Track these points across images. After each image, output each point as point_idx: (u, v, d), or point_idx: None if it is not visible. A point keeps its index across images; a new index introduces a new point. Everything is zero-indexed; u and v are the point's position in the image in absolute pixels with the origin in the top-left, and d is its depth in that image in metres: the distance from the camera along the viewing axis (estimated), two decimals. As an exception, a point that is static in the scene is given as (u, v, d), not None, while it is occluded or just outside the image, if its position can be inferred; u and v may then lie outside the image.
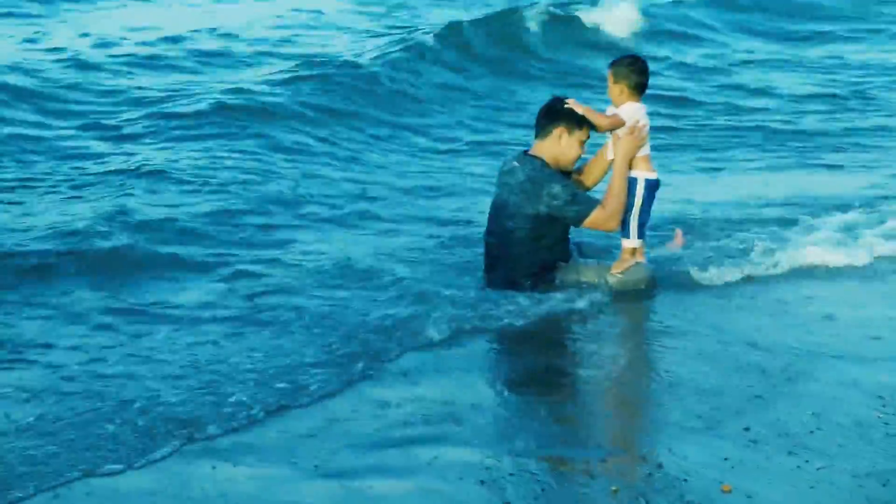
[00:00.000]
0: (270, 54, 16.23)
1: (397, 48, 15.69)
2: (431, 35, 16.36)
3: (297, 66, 14.66)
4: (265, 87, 13.34)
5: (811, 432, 5.54)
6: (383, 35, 17.67)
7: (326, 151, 11.43)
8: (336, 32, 18.37)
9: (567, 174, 7.52)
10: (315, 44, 17.21)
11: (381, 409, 5.84)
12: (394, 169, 10.97)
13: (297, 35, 18.01)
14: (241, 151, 10.97)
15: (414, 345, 6.61)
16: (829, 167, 11.30)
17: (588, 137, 7.43)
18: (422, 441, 5.49)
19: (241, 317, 7.01)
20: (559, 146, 7.44)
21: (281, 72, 14.43)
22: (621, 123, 7.30)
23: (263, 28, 18.37)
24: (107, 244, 8.14)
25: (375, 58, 15.05)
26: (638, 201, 7.43)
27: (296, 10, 20.14)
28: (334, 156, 11.30)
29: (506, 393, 6.23)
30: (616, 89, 7.33)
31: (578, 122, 7.37)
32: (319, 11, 20.12)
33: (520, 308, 7.13)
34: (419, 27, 17.68)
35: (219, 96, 12.85)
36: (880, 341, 6.73)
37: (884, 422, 5.63)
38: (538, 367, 6.53)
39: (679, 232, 8.17)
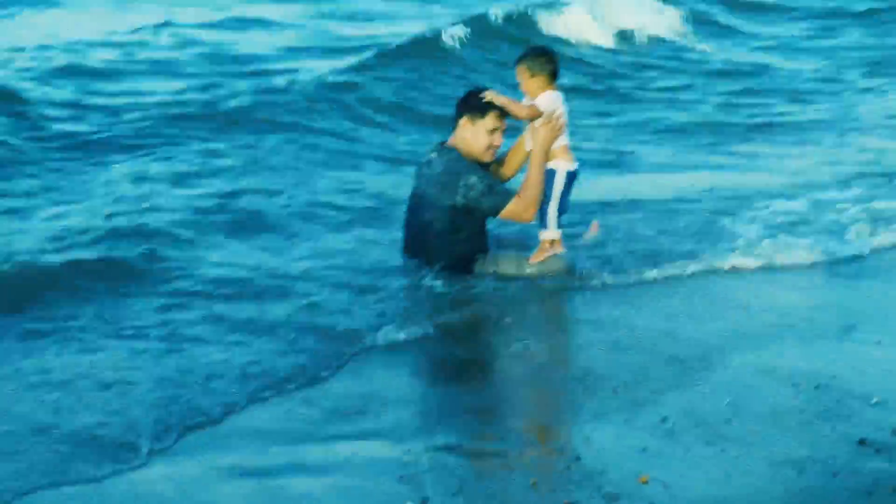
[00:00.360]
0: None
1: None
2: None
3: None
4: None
5: (728, 421, 5.57)
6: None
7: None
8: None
9: (485, 166, 7.51)
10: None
11: (302, 408, 5.80)
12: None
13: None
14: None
15: (330, 345, 6.56)
16: (742, 159, 11.39)
17: (500, 126, 7.36)
18: (340, 438, 5.45)
19: (166, 325, 6.86)
20: (465, 136, 7.41)
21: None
22: (539, 113, 7.30)
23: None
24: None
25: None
26: (556, 192, 7.44)
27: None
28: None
29: (425, 388, 6.22)
30: (533, 82, 7.31)
31: (481, 110, 7.33)
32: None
33: (438, 302, 7.12)
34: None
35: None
36: (794, 329, 6.79)
37: (799, 409, 5.68)
38: (457, 362, 6.51)
39: (595, 223, 8.21)
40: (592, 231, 8.17)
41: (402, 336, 6.70)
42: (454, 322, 6.96)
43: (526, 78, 7.34)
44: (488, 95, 7.31)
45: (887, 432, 5.40)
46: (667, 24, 18.96)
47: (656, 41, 18.34)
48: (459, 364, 6.48)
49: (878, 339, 6.60)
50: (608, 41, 17.84)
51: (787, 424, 5.53)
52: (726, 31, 19.66)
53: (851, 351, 6.43)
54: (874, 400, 5.75)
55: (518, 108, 7.32)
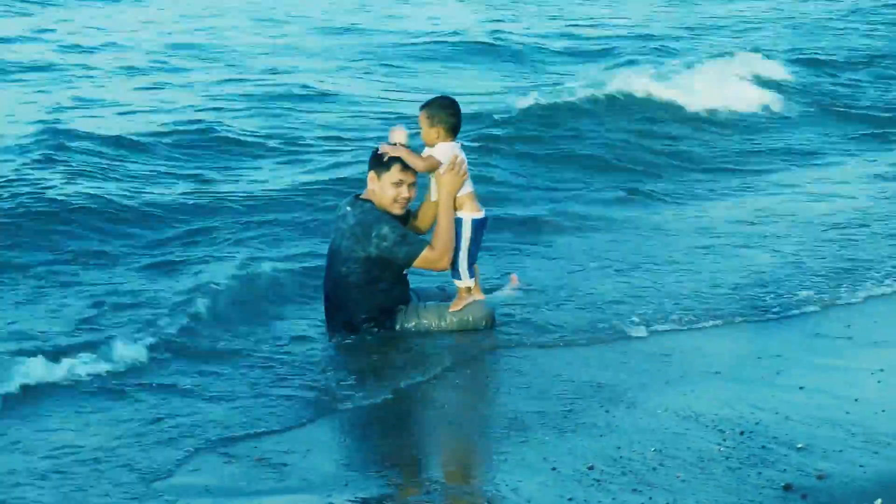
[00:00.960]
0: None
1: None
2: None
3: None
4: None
5: (654, 469, 5.54)
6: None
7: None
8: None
9: (402, 219, 7.47)
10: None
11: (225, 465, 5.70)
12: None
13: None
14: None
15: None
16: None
17: (405, 179, 7.33)
18: (267, 493, 5.35)
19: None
20: (374, 189, 7.41)
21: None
22: (437, 164, 7.30)
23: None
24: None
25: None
26: (465, 242, 7.43)
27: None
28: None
29: (347, 440, 6.14)
30: (433, 132, 7.31)
31: (385, 164, 7.32)
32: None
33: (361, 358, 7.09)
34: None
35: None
36: (719, 376, 6.80)
37: (724, 455, 5.67)
38: (378, 409, 6.43)
39: (514, 276, 8.21)
40: (512, 284, 8.17)
41: (324, 380, 6.67)
42: (377, 371, 6.92)
43: (425, 126, 7.33)
44: (384, 148, 7.31)
45: (812, 477, 5.40)
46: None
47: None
48: (380, 412, 6.41)
49: (801, 384, 6.63)
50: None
51: (713, 471, 5.51)
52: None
53: (775, 396, 6.44)
54: (799, 445, 5.76)
55: (415, 160, 7.31)
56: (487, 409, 6.58)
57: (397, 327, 7.46)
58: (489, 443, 6.02)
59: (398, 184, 7.34)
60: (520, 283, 8.21)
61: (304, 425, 6.17)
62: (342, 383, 6.75)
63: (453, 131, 7.35)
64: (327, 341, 7.47)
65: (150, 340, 7.15)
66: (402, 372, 6.96)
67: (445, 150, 7.33)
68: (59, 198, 10.32)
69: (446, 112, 7.33)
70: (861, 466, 5.52)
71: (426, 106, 7.37)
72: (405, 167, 7.32)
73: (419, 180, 7.46)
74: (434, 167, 7.32)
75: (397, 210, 7.41)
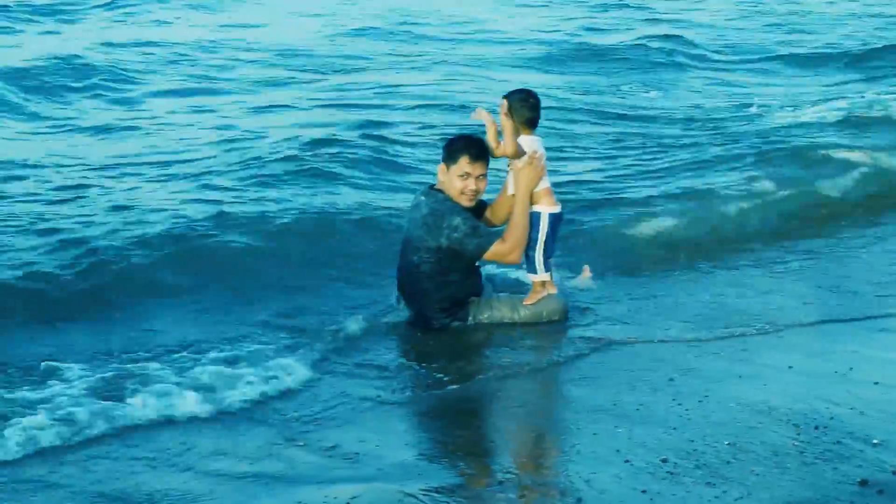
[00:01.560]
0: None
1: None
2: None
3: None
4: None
5: (728, 462, 5.53)
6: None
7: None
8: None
9: (476, 212, 7.50)
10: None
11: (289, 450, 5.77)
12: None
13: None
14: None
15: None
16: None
17: (472, 171, 7.34)
18: (341, 481, 5.40)
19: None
20: (443, 181, 7.46)
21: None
22: (517, 153, 7.29)
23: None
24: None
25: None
26: (542, 235, 7.44)
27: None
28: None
29: (422, 430, 6.18)
30: (508, 123, 7.28)
31: (453, 156, 7.36)
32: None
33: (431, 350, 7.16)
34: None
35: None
36: (792, 371, 6.76)
37: (799, 450, 5.64)
38: (451, 400, 6.48)
39: (587, 267, 8.21)
40: (584, 275, 8.17)
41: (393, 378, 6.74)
42: (451, 362, 6.97)
43: (503, 116, 7.31)
44: (479, 113, 7.32)
45: (889, 472, 5.37)
46: None
47: None
48: (454, 404, 6.45)
49: (875, 379, 6.58)
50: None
51: (787, 465, 5.49)
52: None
53: (850, 392, 6.40)
54: (875, 441, 5.72)
55: (492, 141, 7.31)
56: (559, 402, 6.60)
57: (470, 319, 7.49)
58: (561, 434, 6.04)
59: (465, 176, 7.36)
60: (591, 274, 8.20)
61: (378, 414, 6.23)
62: (419, 371, 6.82)
63: (530, 125, 7.36)
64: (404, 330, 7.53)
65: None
66: (475, 363, 7.00)
67: (527, 144, 7.34)
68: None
69: (524, 105, 7.33)
70: (938, 462, 5.48)
71: (507, 96, 7.38)
72: (473, 159, 7.34)
73: (493, 174, 7.48)
74: (514, 154, 7.30)
75: (465, 202, 7.42)
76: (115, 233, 8.97)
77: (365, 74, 16.83)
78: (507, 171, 7.51)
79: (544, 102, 7.69)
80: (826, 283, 8.38)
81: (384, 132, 12.71)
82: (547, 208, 7.45)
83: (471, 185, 7.38)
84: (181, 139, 12.59)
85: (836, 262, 8.93)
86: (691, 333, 7.43)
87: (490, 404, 6.55)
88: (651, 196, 10.50)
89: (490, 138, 7.34)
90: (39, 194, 10.22)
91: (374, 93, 15.36)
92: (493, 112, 7.39)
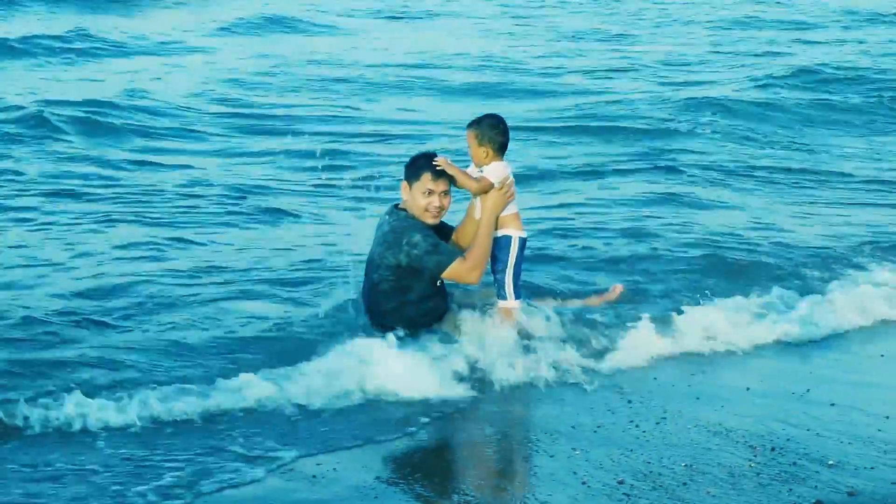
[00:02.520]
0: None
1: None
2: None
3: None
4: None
5: (684, 484, 5.54)
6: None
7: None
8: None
9: (442, 234, 7.46)
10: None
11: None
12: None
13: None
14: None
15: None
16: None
17: (436, 188, 7.27)
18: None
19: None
20: (406, 199, 7.42)
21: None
22: (489, 185, 7.29)
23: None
24: None
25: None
26: (512, 259, 7.41)
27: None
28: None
29: (379, 454, 6.18)
30: (481, 151, 7.29)
31: (415, 173, 7.32)
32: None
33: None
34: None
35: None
36: (749, 392, 6.79)
37: (755, 472, 5.66)
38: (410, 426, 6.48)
39: (618, 286, 8.31)
40: (615, 292, 8.22)
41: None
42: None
43: (474, 145, 7.31)
44: (440, 162, 7.30)
45: (843, 494, 5.39)
46: None
47: None
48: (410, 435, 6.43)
49: (832, 400, 6.61)
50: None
51: (744, 487, 5.51)
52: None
53: (807, 413, 6.43)
54: (830, 462, 5.75)
55: (467, 181, 7.30)
56: (518, 425, 6.59)
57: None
58: (519, 457, 6.04)
59: (428, 193, 7.31)
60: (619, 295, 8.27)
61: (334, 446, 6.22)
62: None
63: (502, 150, 7.35)
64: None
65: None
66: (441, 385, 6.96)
67: (497, 170, 7.31)
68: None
69: (495, 131, 7.32)
70: (893, 483, 5.51)
71: (475, 125, 7.36)
72: (436, 176, 7.29)
73: (458, 194, 7.47)
74: (487, 188, 7.30)
75: (430, 219, 7.38)
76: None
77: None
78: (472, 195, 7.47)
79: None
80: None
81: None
82: (517, 232, 7.43)
83: (434, 201, 7.33)
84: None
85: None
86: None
87: (447, 428, 6.54)
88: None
89: (462, 182, 7.31)
90: None
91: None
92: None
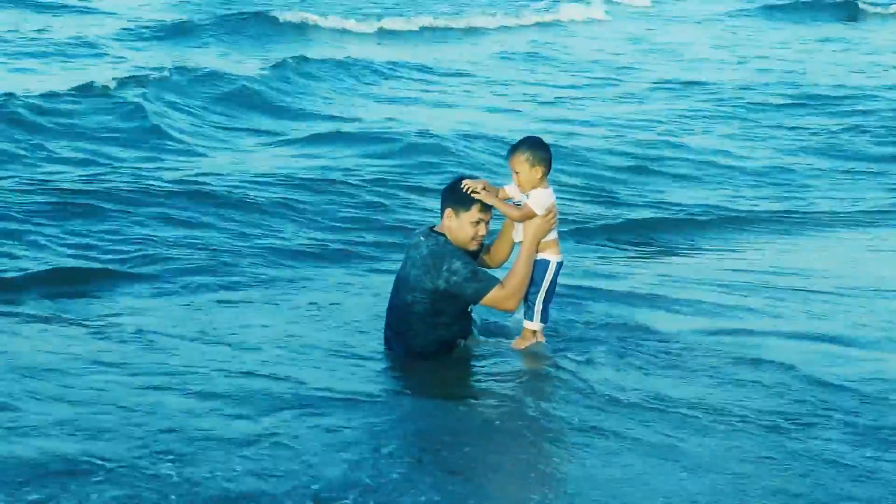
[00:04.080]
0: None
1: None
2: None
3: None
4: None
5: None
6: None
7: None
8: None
9: (473, 254, 7.49)
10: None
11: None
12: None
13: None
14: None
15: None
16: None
17: (484, 218, 7.35)
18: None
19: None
20: (450, 226, 7.43)
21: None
22: (532, 214, 7.29)
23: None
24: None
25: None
26: (546, 284, 7.45)
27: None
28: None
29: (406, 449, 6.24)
30: (535, 173, 7.26)
31: (465, 203, 7.33)
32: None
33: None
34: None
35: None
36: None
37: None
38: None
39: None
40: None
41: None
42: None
43: (525, 169, 7.26)
44: (479, 193, 7.29)
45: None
46: None
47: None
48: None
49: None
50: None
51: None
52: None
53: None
54: None
55: (511, 211, 7.30)
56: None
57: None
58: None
59: (477, 223, 7.35)
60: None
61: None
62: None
63: (549, 169, 7.35)
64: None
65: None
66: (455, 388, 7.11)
67: (542, 198, 7.29)
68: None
69: (544, 151, 7.31)
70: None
71: (524, 149, 7.29)
72: (485, 206, 7.31)
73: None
74: (529, 216, 7.29)
75: (473, 247, 7.42)
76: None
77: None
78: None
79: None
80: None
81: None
82: (554, 257, 7.45)
83: (482, 230, 7.39)
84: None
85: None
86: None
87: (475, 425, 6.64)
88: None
89: (507, 213, 7.35)
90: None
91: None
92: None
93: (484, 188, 7.32)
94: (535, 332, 7.57)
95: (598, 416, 6.73)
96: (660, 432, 6.47)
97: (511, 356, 7.55)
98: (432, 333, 7.44)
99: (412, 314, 7.42)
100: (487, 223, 7.41)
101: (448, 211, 7.42)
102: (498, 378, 7.28)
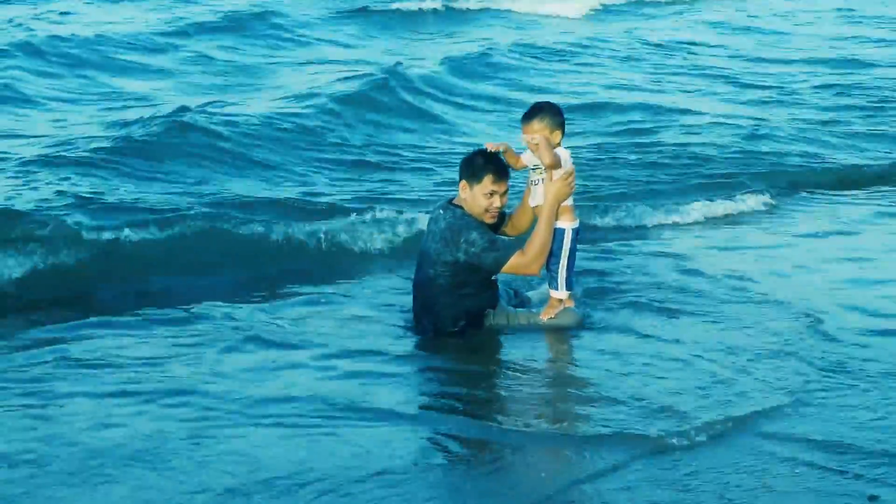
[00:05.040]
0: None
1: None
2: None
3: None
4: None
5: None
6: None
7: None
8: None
9: (493, 226, 7.53)
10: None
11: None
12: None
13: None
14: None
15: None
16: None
17: (498, 189, 7.38)
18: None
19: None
20: (465, 198, 7.49)
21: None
22: (559, 163, 7.31)
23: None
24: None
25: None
26: (565, 252, 7.45)
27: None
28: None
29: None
30: (554, 137, 7.29)
31: (477, 175, 7.38)
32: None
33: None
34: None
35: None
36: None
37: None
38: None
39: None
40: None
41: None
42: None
43: (547, 133, 7.27)
44: (491, 146, 7.40)
45: None
46: None
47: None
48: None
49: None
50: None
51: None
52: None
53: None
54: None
55: (546, 152, 7.19)
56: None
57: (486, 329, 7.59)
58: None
59: (490, 195, 7.38)
60: None
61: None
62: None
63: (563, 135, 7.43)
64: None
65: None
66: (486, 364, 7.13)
67: (567, 157, 7.35)
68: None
69: (560, 115, 7.37)
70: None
71: (542, 115, 7.31)
72: (497, 178, 7.36)
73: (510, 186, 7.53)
74: (557, 165, 7.28)
75: (489, 219, 7.45)
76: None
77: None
78: (529, 184, 7.54)
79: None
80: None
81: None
82: (570, 224, 7.45)
83: (496, 202, 7.40)
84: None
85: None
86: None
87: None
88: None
89: (509, 158, 7.44)
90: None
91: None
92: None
93: (506, 150, 7.43)
94: (561, 300, 7.60)
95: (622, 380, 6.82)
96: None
97: (541, 330, 7.60)
98: (459, 305, 7.48)
99: (436, 287, 7.46)
100: (503, 195, 7.42)
101: (462, 183, 7.48)
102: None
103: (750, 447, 5.87)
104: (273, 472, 5.58)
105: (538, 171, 7.43)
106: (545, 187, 7.41)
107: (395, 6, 24.08)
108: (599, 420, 6.22)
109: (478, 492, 5.47)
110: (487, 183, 7.40)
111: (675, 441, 5.91)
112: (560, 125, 7.36)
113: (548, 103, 7.53)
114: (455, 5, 25.05)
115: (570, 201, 7.49)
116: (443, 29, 22.59)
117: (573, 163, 7.44)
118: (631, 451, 5.80)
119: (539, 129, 7.30)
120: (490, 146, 7.42)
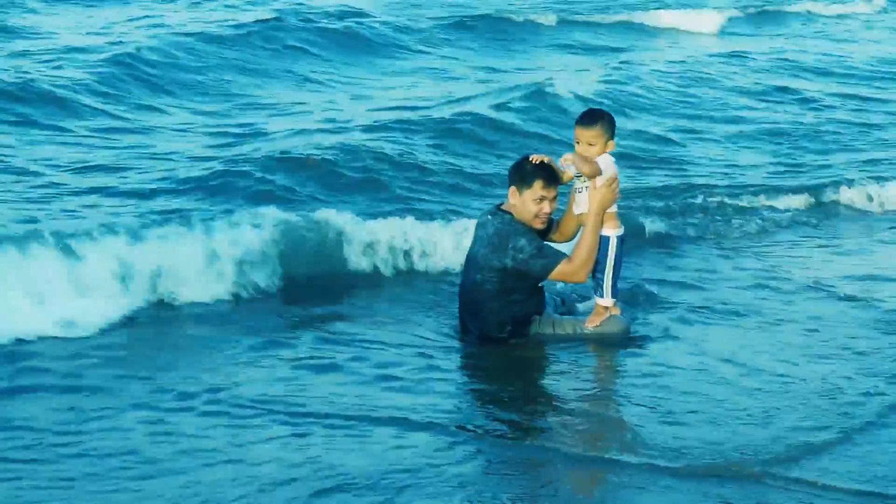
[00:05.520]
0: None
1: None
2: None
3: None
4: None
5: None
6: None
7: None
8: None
9: (541, 233, 7.52)
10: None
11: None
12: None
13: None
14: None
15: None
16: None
17: (547, 195, 7.36)
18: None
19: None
20: (514, 203, 7.48)
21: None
22: (598, 171, 7.30)
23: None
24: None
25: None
26: (611, 259, 7.42)
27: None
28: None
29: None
30: (609, 147, 7.33)
31: (527, 180, 7.36)
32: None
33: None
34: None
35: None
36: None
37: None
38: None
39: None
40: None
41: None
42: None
43: (602, 143, 7.30)
44: (536, 158, 7.38)
45: None
46: None
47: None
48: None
49: None
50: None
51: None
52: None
53: None
54: None
55: (583, 164, 7.24)
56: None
57: (531, 336, 7.57)
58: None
59: (540, 200, 7.37)
60: None
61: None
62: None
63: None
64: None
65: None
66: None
67: (609, 163, 7.34)
68: None
69: (615, 125, 7.41)
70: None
71: (602, 123, 7.33)
72: (547, 184, 7.35)
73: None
74: (596, 173, 7.29)
75: (538, 225, 7.44)
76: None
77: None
78: (573, 191, 7.51)
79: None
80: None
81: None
82: (614, 231, 7.43)
83: (545, 208, 7.39)
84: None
85: None
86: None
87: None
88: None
89: (579, 162, 7.30)
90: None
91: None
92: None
93: (549, 162, 7.41)
94: (607, 307, 7.56)
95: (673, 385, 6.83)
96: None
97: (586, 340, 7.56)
98: (506, 311, 7.46)
99: (483, 293, 7.45)
100: (552, 201, 7.42)
101: (512, 189, 7.47)
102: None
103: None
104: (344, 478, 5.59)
105: (582, 178, 7.42)
106: (589, 195, 7.40)
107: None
108: (641, 447, 6.06)
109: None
110: (537, 188, 7.38)
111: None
112: (614, 134, 7.38)
113: (596, 111, 7.58)
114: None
115: (614, 208, 7.47)
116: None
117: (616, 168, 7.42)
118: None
119: (595, 136, 7.31)
120: (535, 158, 7.41)
